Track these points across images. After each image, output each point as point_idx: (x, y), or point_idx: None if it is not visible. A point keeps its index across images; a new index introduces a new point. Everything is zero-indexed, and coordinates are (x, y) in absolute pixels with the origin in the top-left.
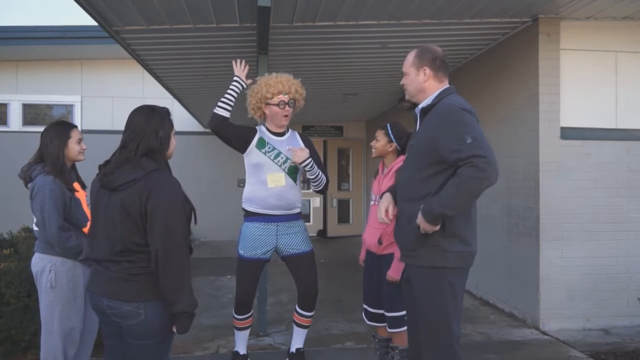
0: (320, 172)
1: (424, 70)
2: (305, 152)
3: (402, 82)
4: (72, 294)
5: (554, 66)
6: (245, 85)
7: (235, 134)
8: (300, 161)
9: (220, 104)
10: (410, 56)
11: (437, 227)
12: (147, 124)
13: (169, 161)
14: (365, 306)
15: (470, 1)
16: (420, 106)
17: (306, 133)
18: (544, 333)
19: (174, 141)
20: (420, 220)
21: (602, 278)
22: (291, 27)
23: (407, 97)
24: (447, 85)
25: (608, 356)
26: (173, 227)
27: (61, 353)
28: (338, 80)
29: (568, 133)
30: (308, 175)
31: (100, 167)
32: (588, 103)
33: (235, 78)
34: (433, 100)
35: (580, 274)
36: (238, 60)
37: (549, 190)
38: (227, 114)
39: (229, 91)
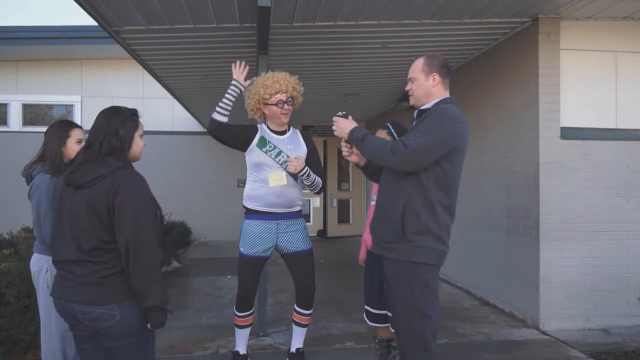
0: (317, 178)
1: (434, 76)
2: (301, 162)
3: (407, 87)
4: None
5: (554, 66)
6: (243, 89)
7: (233, 136)
8: (296, 172)
9: (217, 108)
10: (419, 62)
11: (345, 139)
12: (108, 124)
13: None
14: (367, 307)
15: (470, 1)
16: (420, 108)
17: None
18: (544, 333)
19: (139, 142)
20: (352, 127)
21: (602, 278)
22: (291, 27)
23: (412, 103)
24: (449, 95)
25: (608, 356)
26: (142, 222)
27: (60, 353)
28: (338, 80)
29: (568, 133)
30: (305, 182)
31: (66, 165)
32: (588, 103)
33: (233, 82)
34: (433, 106)
35: (580, 274)
36: (237, 62)
37: (549, 190)
38: (224, 119)
39: (226, 95)
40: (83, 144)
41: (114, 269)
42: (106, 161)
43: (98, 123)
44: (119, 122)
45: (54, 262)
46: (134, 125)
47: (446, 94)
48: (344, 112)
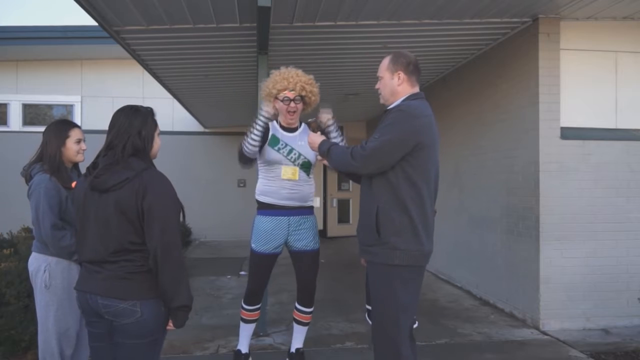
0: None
1: (399, 74)
2: (326, 117)
3: (376, 86)
4: (67, 294)
5: (554, 66)
6: (266, 116)
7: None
8: (325, 119)
9: (247, 139)
10: (385, 61)
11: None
12: (130, 125)
13: (158, 160)
14: (368, 307)
15: (470, 1)
16: (386, 108)
17: None
18: (544, 333)
19: (158, 141)
20: (320, 141)
21: (602, 278)
22: (291, 27)
23: (381, 101)
24: (417, 91)
25: (608, 356)
26: (170, 224)
27: (57, 353)
28: (338, 80)
29: (568, 133)
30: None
31: (88, 169)
32: (588, 103)
33: (260, 111)
34: (397, 105)
35: (580, 274)
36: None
37: (549, 190)
38: (252, 156)
39: (254, 124)
40: (82, 143)
41: (142, 267)
42: (130, 163)
43: (119, 124)
44: (140, 122)
45: (81, 262)
46: (154, 124)
47: (413, 91)
48: (313, 119)
